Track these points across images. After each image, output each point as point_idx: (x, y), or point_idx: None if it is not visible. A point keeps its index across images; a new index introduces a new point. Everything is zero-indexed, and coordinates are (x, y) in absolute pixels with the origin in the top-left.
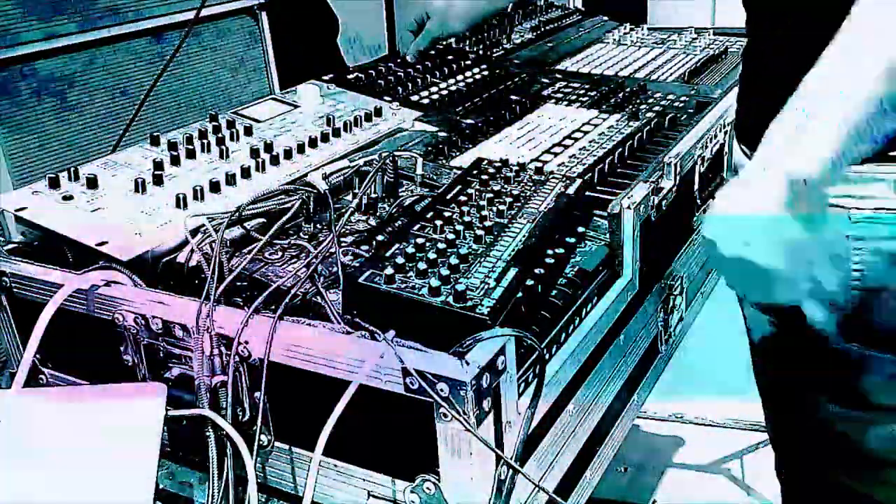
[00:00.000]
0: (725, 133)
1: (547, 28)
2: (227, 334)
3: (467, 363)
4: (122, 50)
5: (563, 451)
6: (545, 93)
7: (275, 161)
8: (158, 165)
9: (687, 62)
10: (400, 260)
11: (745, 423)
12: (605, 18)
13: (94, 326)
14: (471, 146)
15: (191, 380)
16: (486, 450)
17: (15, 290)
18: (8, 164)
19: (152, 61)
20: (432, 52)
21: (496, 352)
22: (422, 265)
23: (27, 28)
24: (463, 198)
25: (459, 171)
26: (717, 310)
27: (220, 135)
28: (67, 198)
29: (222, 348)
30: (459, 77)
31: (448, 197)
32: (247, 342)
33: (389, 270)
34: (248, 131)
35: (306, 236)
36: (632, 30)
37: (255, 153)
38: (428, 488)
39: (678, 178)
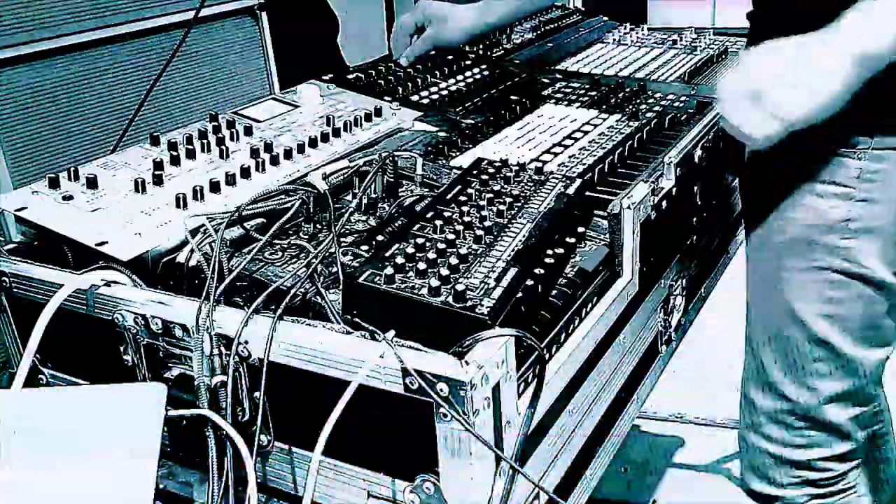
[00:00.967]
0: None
1: (547, 28)
2: (227, 334)
3: (467, 363)
4: (123, 50)
5: (563, 451)
6: (545, 93)
7: (275, 161)
8: (158, 165)
9: (687, 62)
10: (400, 260)
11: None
12: (605, 18)
13: (94, 326)
14: (471, 146)
15: (191, 380)
16: (486, 450)
17: (15, 290)
18: (8, 164)
19: (152, 61)
20: (432, 53)
21: (496, 352)
22: (422, 265)
23: (27, 28)
24: (463, 198)
25: (459, 171)
26: (718, 310)
27: (220, 135)
28: (67, 198)
29: (222, 348)
30: (459, 77)
31: (448, 197)
32: (247, 342)
33: (389, 270)
34: (248, 131)
35: (306, 236)
36: (632, 30)
37: (255, 153)
38: (428, 488)
39: (678, 178)
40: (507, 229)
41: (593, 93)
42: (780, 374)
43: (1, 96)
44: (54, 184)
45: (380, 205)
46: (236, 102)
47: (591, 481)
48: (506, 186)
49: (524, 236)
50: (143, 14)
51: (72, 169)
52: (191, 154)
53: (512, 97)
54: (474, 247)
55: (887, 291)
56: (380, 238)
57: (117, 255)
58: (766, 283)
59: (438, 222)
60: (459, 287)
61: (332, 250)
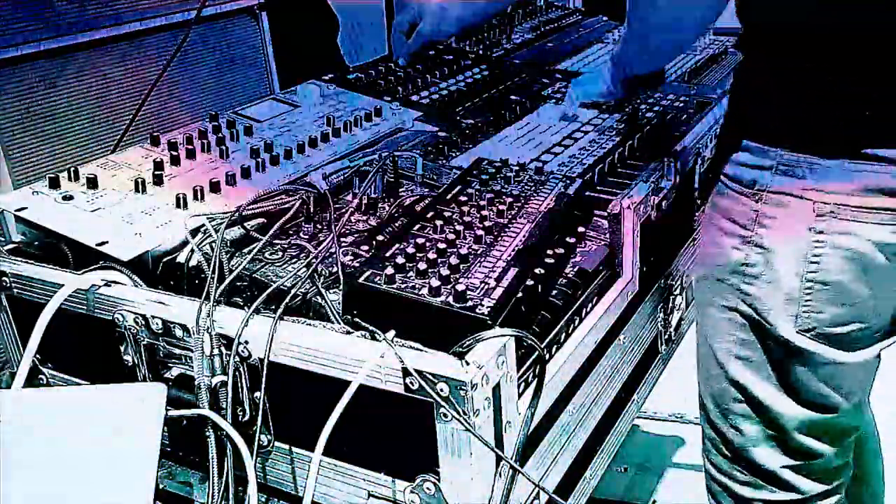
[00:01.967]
0: None
1: (547, 28)
2: (227, 334)
3: (467, 363)
4: (123, 50)
5: (563, 451)
6: (545, 93)
7: (275, 161)
8: (158, 165)
9: (687, 62)
10: (400, 260)
11: None
12: (605, 18)
13: (94, 326)
14: (471, 146)
15: (191, 380)
16: (486, 450)
17: (15, 290)
18: (8, 164)
19: (153, 61)
20: (431, 52)
21: (496, 352)
22: (422, 265)
23: (28, 28)
24: (463, 198)
25: (459, 171)
26: None
27: (220, 135)
28: (67, 198)
29: (222, 348)
30: (459, 77)
31: (448, 197)
32: (247, 342)
33: (389, 270)
34: (248, 131)
35: (306, 236)
36: None
37: (255, 153)
38: (428, 488)
39: (678, 178)
40: (507, 229)
41: None
42: (712, 407)
43: (1, 96)
44: (54, 184)
45: (380, 205)
46: (236, 102)
47: (591, 481)
48: (506, 186)
49: (524, 236)
50: (143, 14)
51: (72, 169)
52: (191, 154)
53: (512, 97)
54: (474, 247)
55: (797, 350)
56: (380, 238)
57: (117, 255)
58: (696, 313)
59: (438, 222)
60: (460, 287)
61: (333, 250)
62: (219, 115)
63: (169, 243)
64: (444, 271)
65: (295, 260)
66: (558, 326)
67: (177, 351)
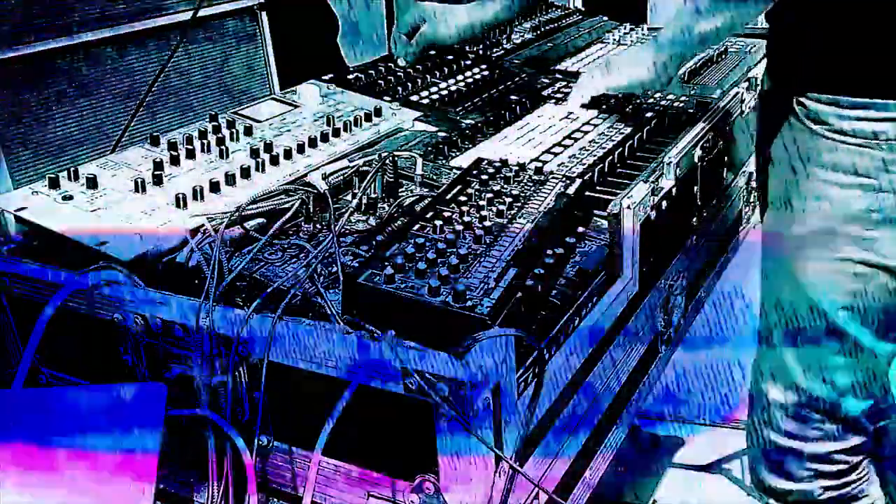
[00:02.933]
0: (726, 133)
1: (547, 28)
2: (227, 334)
3: (467, 363)
4: (123, 50)
5: (563, 451)
6: (545, 93)
7: (275, 161)
8: (158, 165)
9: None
10: (400, 260)
11: (745, 423)
12: (605, 18)
13: (94, 326)
14: (471, 146)
15: (191, 380)
16: (485, 450)
17: (15, 290)
18: (8, 164)
19: (152, 61)
20: (432, 52)
21: (496, 352)
22: (421, 265)
23: (28, 28)
24: (463, 198)
25: (459, 171)
26: (718, 310)
27: (220, 135)
28: (67, 198)
29: (222, 348)
30: (459, 77)
31: (448, 197)
32: (247, 342)
33: (389, 270)
34: (248, 131)
35: (306, 236)
36: (632, 30)
37: (255, 153)
38: (428, 488)
39: (678, 178)
40: (507, 229)
41: None
42: (798, 367)
43: (1, 96)
44: (54, 184)
45: (380, 205)
46: (236, 102)
47: (591, 481)
48: (506, 186)
49: (524, 236)
50: (143, 14)
51: (72, 169)
52: (191, 154)
53: (512, 97)
54: (474, 247)
55: None
56: (380, 238)
57: (117, 255)
58: (785, 275)
59: (438, 222)
60: (459, 287)
61: (332, 250)
62: (219, 115)
63: (169, 243)
64: (444, 271)
65: (295, 260)
66: (558, 326)
67: (177, 351)
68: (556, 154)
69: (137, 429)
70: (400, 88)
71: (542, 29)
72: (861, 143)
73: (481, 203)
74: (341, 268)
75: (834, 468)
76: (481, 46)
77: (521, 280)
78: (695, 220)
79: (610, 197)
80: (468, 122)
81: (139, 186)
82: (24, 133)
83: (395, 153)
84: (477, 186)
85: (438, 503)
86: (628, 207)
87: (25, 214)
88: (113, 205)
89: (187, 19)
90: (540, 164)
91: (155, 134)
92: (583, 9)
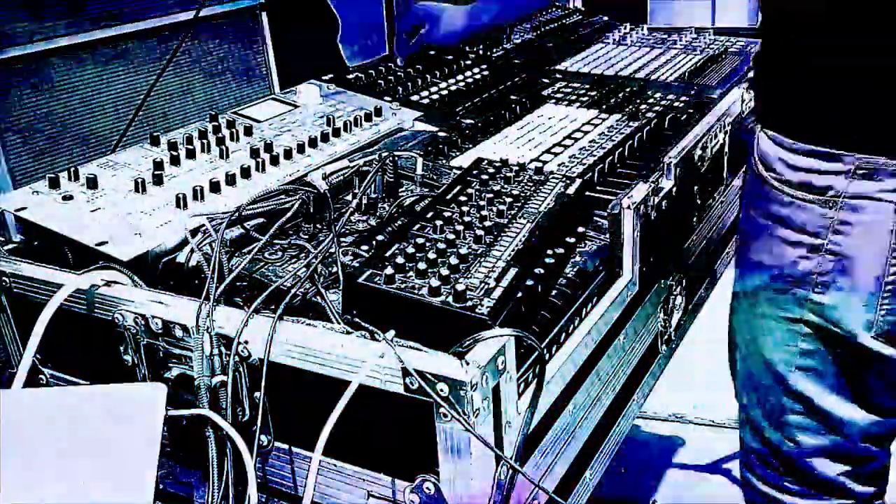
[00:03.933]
0: (725, 133)
1: (547, 28)
2: (227, 334)
3: (467, 363)
4: (123, 50)
5: (563, 451)
6: (545, 93)
7: (275, 161)
8: (158, 165)
9: (687, 62)
10: (400, 260)
11: None
12: (605, 18)
13: (94, 326)
14: (471, 146)
15: (191, 380)
16: (486, 450)
17: (15, 290)
18: (8, 164)
19: (152, 61)
20: (432, 53)
21: (496, 352)
22: (422, 265)
23: (28, 29)
24: (463, 198)
25: (459, 171)
26: (718, 310)
27: (220, 135)
28: (67, 198)
29: (222, 348)
30: (459, 77)
31: (448, 197)
32: (247, 342)
33: (389, 270)
34: (248, 131)
35: (306, 236)
36: (632, 30)
37: (255, 153)
38: (428, 488)
39: (678, 178)
40: (507, 229)
41: (593, 93)
42: (764, 421)
43: (1, 96)
44: (54, 184)
45: (380, 205)
46: (236, 102)
47: (591, 481)
48: (506, 186)
49: (524, 236)
50: (143, 15)
51: (72, 169)
52: (191, 154)
53: (512, 97)
54: (474, 247)
55: (870, 356)
56: (380, 238)
57: (117, 255)
58: (744, 328)
59: (438, 222)
60: (459, 287)
61: (332, 250)
62: (219, 115)
63: (169, 243)
64: (444, 271)
65: (295, 260)
66: (558, 326)
67: (177, 351)
68: (556, 154)
69: (137, 429)
70: (400, 88)
71: (542, 29)
72: (807, 198)
73: (481, 203)
74: (341, 268)
75: None
76: (481, 46)
77: (521, 280)
78: (695, 220)
79: (610, 197)
80: (468, 122)
81: (139, 186)
82: (24, 133)
83: (395, 153)
84: (477, 186)
85: (438, 503)
86: (628, 207)
87: (25, 214)
88: (113, 205)
89: (188, 19)
90: (540, 164)
91: (155, 134)
92: (583, 9)
